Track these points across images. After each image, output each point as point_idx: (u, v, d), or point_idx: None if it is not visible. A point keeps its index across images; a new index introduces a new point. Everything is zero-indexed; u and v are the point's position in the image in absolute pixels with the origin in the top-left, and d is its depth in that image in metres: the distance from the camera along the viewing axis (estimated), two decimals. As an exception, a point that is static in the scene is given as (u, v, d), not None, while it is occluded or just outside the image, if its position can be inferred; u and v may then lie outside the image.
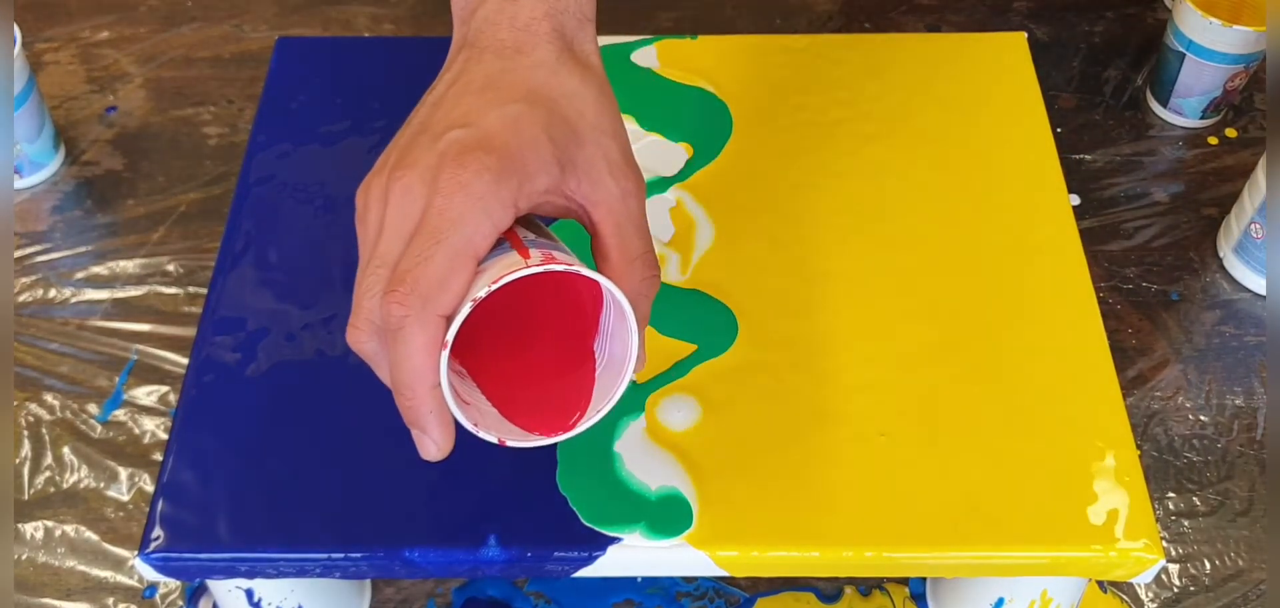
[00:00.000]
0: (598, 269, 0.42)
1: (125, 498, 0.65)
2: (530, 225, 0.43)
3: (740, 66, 0.65)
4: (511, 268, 0.38)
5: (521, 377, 0.44)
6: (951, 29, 0.88)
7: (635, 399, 0.52)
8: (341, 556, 0.48)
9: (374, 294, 0.40)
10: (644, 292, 0.43)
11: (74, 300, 0.73)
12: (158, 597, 0.62)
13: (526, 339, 0.45)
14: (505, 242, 0.40)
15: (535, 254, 0.39)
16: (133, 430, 0.67)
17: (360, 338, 0.41)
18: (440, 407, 0.40)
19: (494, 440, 0.41)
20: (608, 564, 0.48)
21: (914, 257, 0.57)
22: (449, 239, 0.38)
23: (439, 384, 0.39)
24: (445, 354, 0.39)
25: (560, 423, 0.43)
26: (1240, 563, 0.62)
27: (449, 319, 0.39)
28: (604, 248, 0.42)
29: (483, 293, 0.38)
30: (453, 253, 0.38)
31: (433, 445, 0.41)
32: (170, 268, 0.75)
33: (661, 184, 0.60)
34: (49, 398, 0.69)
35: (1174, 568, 0.62)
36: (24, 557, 0.63)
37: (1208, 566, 0.62)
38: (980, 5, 0.91)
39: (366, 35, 0.88)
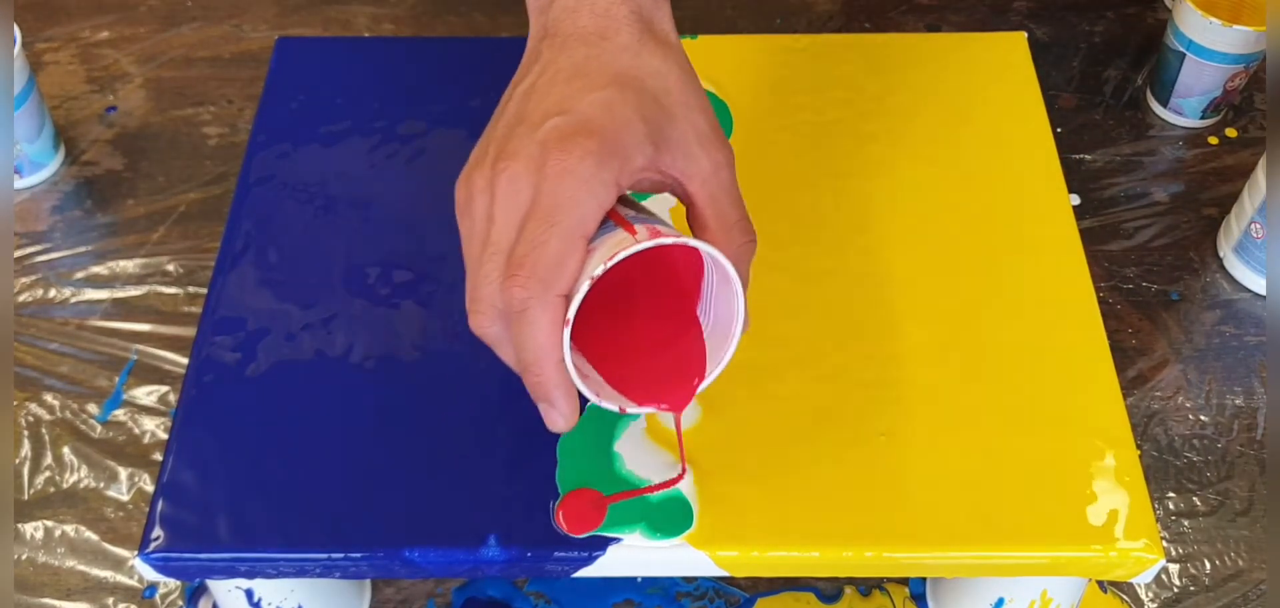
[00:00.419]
0: (696, 237, 0.44)
1: (125, 498, 0.65)
2: (626, 202, 0.45)
3: (740, 66, 0.65)
4: (623, 245, 0.40)
5: (626, 348, 0.46)
6: (951, 29, 0.88)
7: (635, 399, 0.52)
8: (341, 556, 0.48)
9: (493, 281, 0.42)
10: (743, 256, 0.45)
11: (74, 300, 0.73)
12: (158, 597, 0.62)
13: (626, 311, 0.47)
14: (609, 220, 0.42)
15: (641, 230, 0.41)
16: (133, 430, 0.67)
17: (484, 323, 0.43)
18: (565, 381, 0.42)
19: (616, 409, 0.44)
20: (608, 564, 0.48)
21: (914, 256, 0.57)
22: (562, 222, 0.40)
23: (563, 360, 0.41)
24: (567, 331, 0.41)
25: (679, 392, 0.46)
26: (1240, 563, 0.62)
27: (567, 298, 0.41)
28: (701, 217, 0.44)
29: (599, 271, 0.40)
30: (566, 235, 0.40)
31: (561, 418, 0.43)
32: (170, 268, 0.75)
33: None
34: (49, 398, 0.69)
35: (1174, 568, 0.62)
36: (24, 557, 0.63)
37: (1208, 566, 0.62)
38: (980, 5, 0.91)
39: (366, 35, 0.88)
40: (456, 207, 0.44)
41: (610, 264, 0.40)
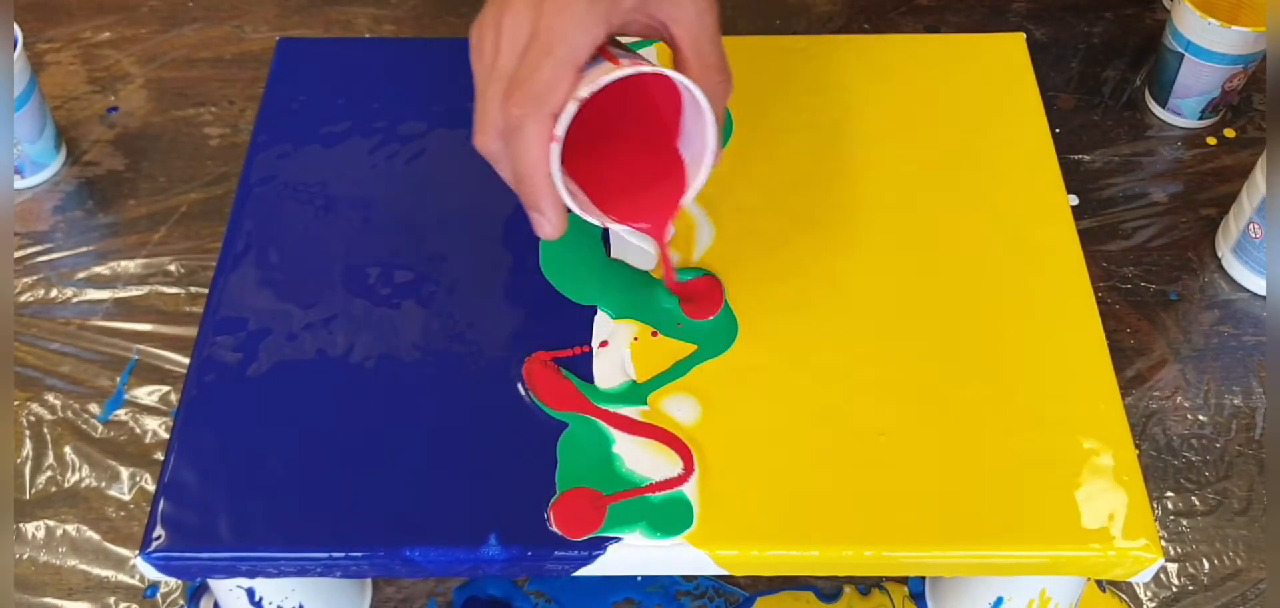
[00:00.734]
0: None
1: (126, 498, 0.65)
2: (619, 46, 0.50)
3: (740, 66, 0.65)
4: (607, 73, 0.46)
5: (615, 174, 0.52)
6: (951, 29, 0.89)
7: (635, 399, 0.52)
8: (342, 555, 0.48)
9: (494, 103, 0.47)
10: (719, 93, 0.50)
11: (75, 300, 0.74)
12: (159, 596, 0.62)
13: (617, 144, 0.53)
14: (600, 57, 0.48)
15: (625, 62, 0.47)
16: (134, 430, 0.68)
17: (486, 140, 0.49)
18: (553, 192, 0.48)
19: (599, 223, 0.51)
20: (608, 564, 0.48)
21: (913, 257, 0.57)
22: (556, 51, 0.46)
23: (552, 173, 0.47)
24: (557, 147, 0.46)
25: (658, 212, 0.52)
26: (1238, 563, 0.62)
27: (557, 118, 0.46)
28: (683, 58, 0.49)
29: (585, 93, 0.46)
30: (559, 62, 0.46)
31: (548, 225, 0.49)
32: (171, 268, 0.75)
33: (661, 184, 0.60)
34: (50, 398, 0.69)
35: (1172, 567, 0.62)
36: (25, 556, 0.63)
37: (1206, 565, 0.62)
38: (980, 5, 0.91)
39: (367, 36, 0.88)
40: (470, 49, 0.49)
41: (595, 88, 0.46)
